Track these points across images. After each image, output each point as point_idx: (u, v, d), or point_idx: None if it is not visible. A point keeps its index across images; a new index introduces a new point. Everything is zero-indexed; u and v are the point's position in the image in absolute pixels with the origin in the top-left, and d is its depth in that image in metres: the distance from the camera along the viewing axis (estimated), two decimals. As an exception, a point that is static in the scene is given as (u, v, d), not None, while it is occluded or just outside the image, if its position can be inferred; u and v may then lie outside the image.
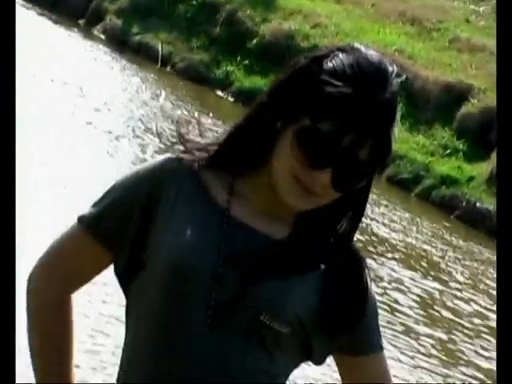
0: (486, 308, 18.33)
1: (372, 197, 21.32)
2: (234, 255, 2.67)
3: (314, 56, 2.60)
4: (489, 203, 21.37)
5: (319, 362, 2.86)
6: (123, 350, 2.89)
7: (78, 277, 2.97)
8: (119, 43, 26.63)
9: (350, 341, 2.76)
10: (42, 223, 13.29)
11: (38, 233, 12.26)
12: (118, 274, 2.85)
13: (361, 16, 26.12)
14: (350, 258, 2.79)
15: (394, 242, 20.84)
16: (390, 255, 19.81)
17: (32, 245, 10.82)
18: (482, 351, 16.87)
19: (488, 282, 19.43)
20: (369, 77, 2.56)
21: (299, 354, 2.77)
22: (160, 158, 2.90)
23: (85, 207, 2.89)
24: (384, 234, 21.18)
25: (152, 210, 2.78)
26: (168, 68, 26.07)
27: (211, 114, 24.02)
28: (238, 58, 24.80)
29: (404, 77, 2.70)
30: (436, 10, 28.28)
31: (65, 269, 2.94)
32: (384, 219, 22.14)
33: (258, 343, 2.66)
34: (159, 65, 25.79)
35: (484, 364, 16.12)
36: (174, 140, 3.01)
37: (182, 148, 2.83)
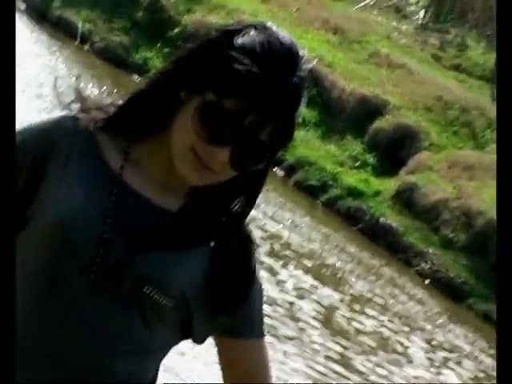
0: (380, 323, 18.53)
1: (279, 199, 23.13)
2: (122, 222, 2.70)
3: (225, 30, 2.59)
4: (392, 220, 21.57)
5: (199, 340, 2.92)
6: None
7: None
8: (39, 16, 26.30)
9: (231, 323, 2.85)
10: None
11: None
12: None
13: (284, 18, 26.09)
14: (241, 240, 2.83)
15: (296, 247, 20.82)
16: (292, 260, 19.89)
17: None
18: (375, 367, 17.00)
19: (384, 296, 19.63)
20: (278, 58, 2.58)
21: (180, 330, 2.84)
22: (56, 115, 2.85)
23: None
24: (286, 237, 21.03)
25: (43, 166, 2.80)
26: (87, 46, 25.18)
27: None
28: (158, 45, 24.60)
29: (312, 64, 2.73)
30: (359, 23, 28.56)
31: None
32: (288, 223, 22.00)
33: (139, 314, 2.70)
34: (77, 42, 25.18)
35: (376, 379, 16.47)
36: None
37: (78, 106, 2.82)
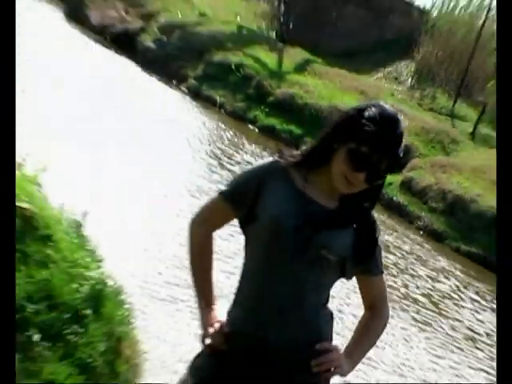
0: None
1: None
2: (305, 216, 3.48)
3: (357, 108, 3.51)
4: (400, 198, 23.99)
5: (349, 278, 3.77)
6: (240, 282, 3.74)
7: (215, 224, 3.85)
8: (195, 95, 28.98)
9: (366, 267, 3.73)
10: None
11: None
12: (240, 223, 3.73)
13: (333, 88, 29.13)
14: (369, 222, 3.68)
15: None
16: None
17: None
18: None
19: (397, 240, 20.96)
20: (388, 122, 3.41)
21: (339, 272, 3.65)
22: (268, 160, 3.71)
23: (224, 185, 3.80)
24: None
25: (261, 189, 3.56)
26: (222, 111, 28.41)
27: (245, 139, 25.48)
28: (262, 107, 27.98)
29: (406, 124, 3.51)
30: (375, 87, 31.63)
31: (208, 219, 3.82)
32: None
33: (319, 267, 3.52)
34: (218, 108, 28.44)
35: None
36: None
37: (278, 156, 3.66)
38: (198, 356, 3.64)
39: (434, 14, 37.92)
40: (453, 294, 17.82)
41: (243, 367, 3.49)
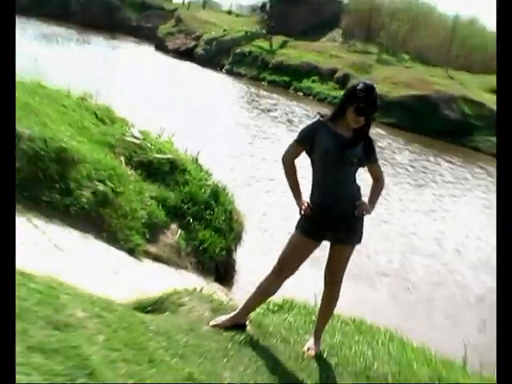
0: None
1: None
2: (338, 143, 4.31)
3: (353, 85, 4.30)
4: None
5: (363, 166, 4.47)
6: (312, 182, 4.47)
7: (295, 155, 4.55)
8: (230, 73, 37.94)
9: (370, 159, 4.49)
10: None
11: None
12: (307, 153, 4.45)
13: (301, 52, 37.26)
14: (369, 138, 4.43)
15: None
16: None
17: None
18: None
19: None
20: (369, 89, 4.23)
21: (358, 165, 4.42)
22: (315, 119, 4.43)
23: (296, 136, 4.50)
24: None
25: (315, 134, 4.36)
26: (246, 78, 35.86)
27: (261, 89, 33.15)
28: (266, 71, 36.38)
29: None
30: (322, 48, 40.38)
31: (291, 153, 4.55)
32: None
33: (350, 165, 4.36)
34: (243, 77, 36.36)
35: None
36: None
37: (320, 116, 4.39)
38: (299, 220, 4.50)
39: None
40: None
41: (323, 220, 4.43)
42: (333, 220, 4.37)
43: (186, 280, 7.70)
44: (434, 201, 16.88)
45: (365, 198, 4.48)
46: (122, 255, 7.07)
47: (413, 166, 21.07)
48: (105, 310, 3.44)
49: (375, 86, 4.31)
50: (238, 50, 40.15)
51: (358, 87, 4.23)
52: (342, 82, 33.45)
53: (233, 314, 4.61)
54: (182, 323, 4.25)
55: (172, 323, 4.17)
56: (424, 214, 15.38)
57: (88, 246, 6.59)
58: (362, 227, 4.50)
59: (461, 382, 4.86)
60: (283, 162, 4.56)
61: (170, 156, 9.31)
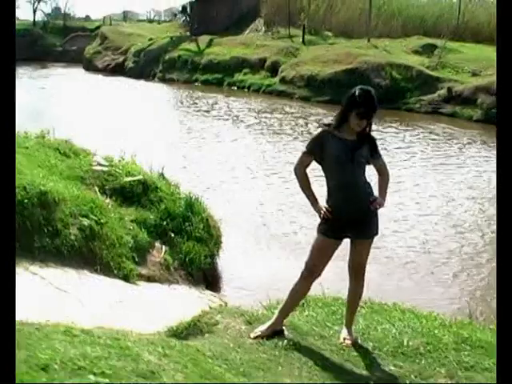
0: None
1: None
2: (346, 147, 4.58)
3: (352, 92, 4.50)
4: None
5: (369, 164, 4.77)
6: (327, 187, 4.76)
7: (306, 165, 4.81)
8: (163, 80, 38.48)
9: (375, 157, 4.80)
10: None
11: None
12: (317, 161, 4.73)
13: (228, 48, 37.48)
14: (372, 138, 4.74)
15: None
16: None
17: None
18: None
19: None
20: (367, 94, 4.47)
21: (366, 164, 4.72)
22: (321, 129, 4.71)
23: (305, 147, 4.78)
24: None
25: (323, 143, 4.63)
26: (178, 82, 37.76)
27: (196, 90, 35.51)
28: (197, 72, 36.84)
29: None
30: (249, 40, 41.80)
31: (303, 163, 4.82)
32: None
33: (359, 165, 4.64)
34: (176, 81, 37.99)
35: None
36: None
37: (324, 126, 4.69)
38: (320, 224, 4.77)
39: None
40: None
41: (343, 220, 4.69)
42: (352, 219, 4.65)
43: (184, 294, 7.88)
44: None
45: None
46: (120, 283, 7.18)
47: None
48: (165, 347, 3.55)
49: (371, 89, 4.57)
50: (167, 57, 39.91)
51: (357, 93, 4.49)
52: (273, 69, 33.72)
53: (270, 322, 4.85)
54: (227, 342, 4.42)
55: (220, 344, 4.34)
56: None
57: (87, 282, 6.66)
58: (377, 220, 4.78)
59: (484, 339, 5.07)
60: (296, 174, 4.84)
61: (140, 177, 9.40)
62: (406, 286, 9.23)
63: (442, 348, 4.80)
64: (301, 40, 37.66)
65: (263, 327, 4.83)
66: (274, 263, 10.09)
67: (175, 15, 53.34)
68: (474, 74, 29.74)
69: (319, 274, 4.79)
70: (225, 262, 9.82)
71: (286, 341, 4.57)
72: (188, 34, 44.88)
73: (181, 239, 9.00)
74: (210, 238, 9.54)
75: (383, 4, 41.12)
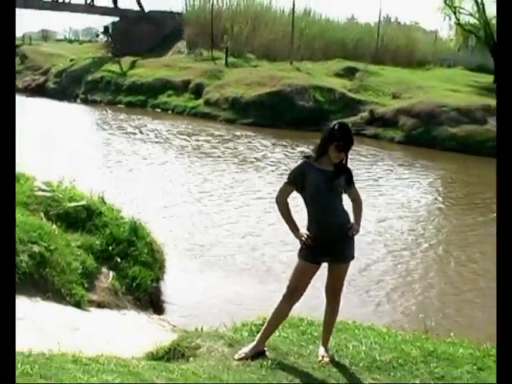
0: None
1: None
2: (327, 178, 4.80)
3: (331, 126, 4.79)
4: None
5: (345, 193, 5.03)
6: (308, 215, 4.97)
7: (287, 195, 5.00)
8: (85, 102, 37.60)
9: (350, 187, 5.05)
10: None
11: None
12: (298, 191, 4.94)
13: (151, 70, 38.20)
14: (348, 169, 4.95)
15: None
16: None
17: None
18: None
19: None
20: (345, 128, 4.77)
21: (342, 194, 4.96)
22: (302, 161, 4.91)
23: (287, 178, 4.94)
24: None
25: (304, 174, 4.84)
26: (102, 104, 36.44)
27: (120, 112, 35.70)
28: (121, 93, 37.26)
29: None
30: (174, 62, 41.09)
31: (284, 194, 5.02)
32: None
33: (337, 194, 4.90)
34: (99, 103, 37.59)
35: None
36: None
37: (304, 157, 4.89)
38: (301, 249, 4.97)
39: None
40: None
41: (322, 246, 4.91)
42: (331, 243, 4.84)
43: (135, 320, 7.89)
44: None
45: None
46: (73, 310, 7.09)
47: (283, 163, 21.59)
48: (167, 372, 3.63)
49: (349, 124, 4.87)
50: (90, 78, 39.61)
51: (336, 128, 4.74)
52: (197, 91, 34.05)
53: (252, 344, 5.01)
54: (215, 365, 4.52)
55: (210, 367, 4.45)
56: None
57: (41, 309, 6.54)
58: (353, 244, 5.00)
59: (447, 351, 5.38)
60: (277, 203, 5.04)
61: (83, 202, 9.35)
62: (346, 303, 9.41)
63: (411, 361, 5.06)
64: (224, 62, 38.07)
65: (247, 349, 4.98)
66: (216, 285, 10.25)
67: (97, 35, 52.78)
68: (395, 97, 30.79)
69: (300, 297, 4.94)
70: (169, 286, 9.81)
71: (270, 361, 4.72)
72: (110, 54, 44.77)
73: (127, 264, 8.98)
74: (155, 262, 9.55)
75: (305, 27, 41.96)
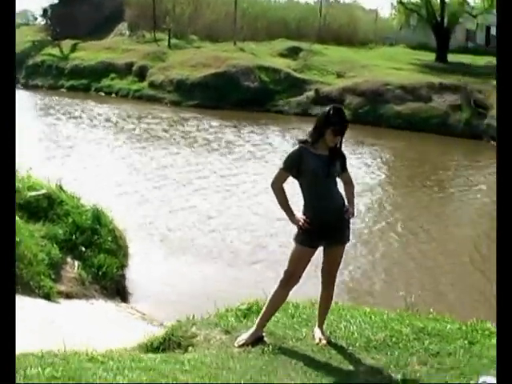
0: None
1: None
2: (324, 162, 4.81)
3: (326, 110, 4.78)
4: None
5: (339, 177, 5.03)
6: (304, 199, 4.95)
7: (283, 181, 4.93)
8: (26, 87, 36.14)
9: (344, 171, 5.05)
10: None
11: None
12: (293, 176, 4.90)
13: (92, 52, 37.48)
14: (342, 154, 4.98)
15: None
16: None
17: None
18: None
19: None
20: (339, 111, 4.78)
21: (337, 178, 4.96)
22: (298, 146, 4.86)
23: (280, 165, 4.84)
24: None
25: (301, 158, 4.82)
26: (44, 89, 36.29)
27: (61, 96, 34.89)
28: (62, 77, 36.76)
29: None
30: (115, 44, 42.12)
31: (279, 180, 4.95)
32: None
33: (333, 178, 4.93)
34: (41, 88, 37.39)
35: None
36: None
37: (300, 142, 4.85)
38: (297, 234, 4.96)
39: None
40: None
41: (319, 230, 4.91)
42: (328, 226, 4.85)
43: (104, 310, 7.82)
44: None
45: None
46: (44, 303, 6.99)
47: (230, 142, 21.60)
48: (178, 363, 3.64)
49: (342, 107, 4.87)
50: (30, 62, 38.67)
51: (331, 112, 4.73)
52: (141, 74, 33.58)
53: (252, 330, 5.00)
54: (217, 353, 4.50)
55: (215, 356, 4.42)
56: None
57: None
58: (349, 227, 5.03)
59: (437, 327, 5.44)
60: (273, 189, 4.95)
61: (44, 191, 9.14)
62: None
63: (405, 339, 5.11)
64: (167, 44, 37.60)
65: (246, 335, 4.97)
66: (181, 270, 10.17)
67: (35, 18, 51.47)
68: (339, 76, 30.92)
69: (297, 282, 4.93)
70: (134, 273, 9.70)
71: (270, 346, 4.70)
72: (50, 38, 43.55)
73: (92, 253, 8.89)
74: (119, 249, 9.46)
75: (247, 7, 41.76)
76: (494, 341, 4.84)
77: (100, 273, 8.70)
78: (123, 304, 8.60)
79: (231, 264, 10.60)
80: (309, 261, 4.93)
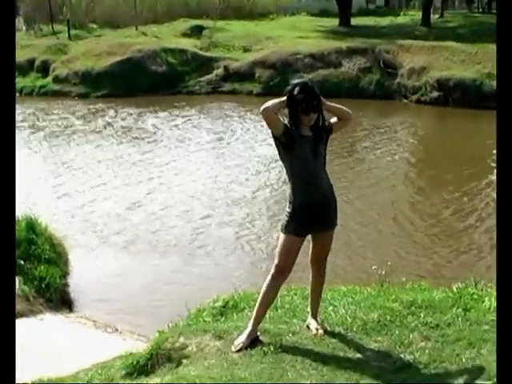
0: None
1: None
2: (311, 143, 4.61)
3: (290, 88, 4.52)
4: None
5: (325, 150, 4.79)
6: (292, 185, 4.72)
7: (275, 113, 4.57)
8: None
9: (329, 127, 4.76)
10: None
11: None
12: (283, 145, 4.65)
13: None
14: (328, 124, 4.71)
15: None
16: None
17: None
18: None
19: None
20: (304, 87, 4.50)
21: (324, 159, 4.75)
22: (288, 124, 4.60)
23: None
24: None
25: (291, 134, 4.55)
26: None
27: None
28: None
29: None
30: None
31: (274, 111, 4.53)
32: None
33: (321, 157, 4.69)
34: None
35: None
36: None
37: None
38: (285, 223, 4.75)
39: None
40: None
41: (309, 216, 4.71)
42: (316, 212, 4.61)
43: (55, 323, 7.42)
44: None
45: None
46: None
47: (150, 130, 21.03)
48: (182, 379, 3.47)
49: (307, 80, 4.63)
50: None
51: (294, 91, 4.46)
52: (43, 69, 32.28)
53: (247, 331, 4.70)
54: (219, 363, 4.18)
55: (217, 366, 4.08)
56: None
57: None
58: (336, 211, 4.81)
59: (426, 298, 5.30)
60: (264, 112, 4.52)
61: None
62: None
63: (399, 315, 4.94)
64: (66, 35, 36.36)
65: (242, 338, 4.70)
66: (125, 269, 9.83)
67: None
68: (246, 50, 30.59)
69: (288, 273, 4.70)
70: (76, 279, 9.26)
71: (270, 346, 4.44)
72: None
73: (31, 265, 8.48)
74: (59, 257, 9.06)
75: (146, -10, 40.75)
76: (486, 304, 4.79)
77: (43, 285, 8.32)
78: (72, 314, 8.23)
79: (176, 259, 10.23)
80: (298, 251, 4.68)
